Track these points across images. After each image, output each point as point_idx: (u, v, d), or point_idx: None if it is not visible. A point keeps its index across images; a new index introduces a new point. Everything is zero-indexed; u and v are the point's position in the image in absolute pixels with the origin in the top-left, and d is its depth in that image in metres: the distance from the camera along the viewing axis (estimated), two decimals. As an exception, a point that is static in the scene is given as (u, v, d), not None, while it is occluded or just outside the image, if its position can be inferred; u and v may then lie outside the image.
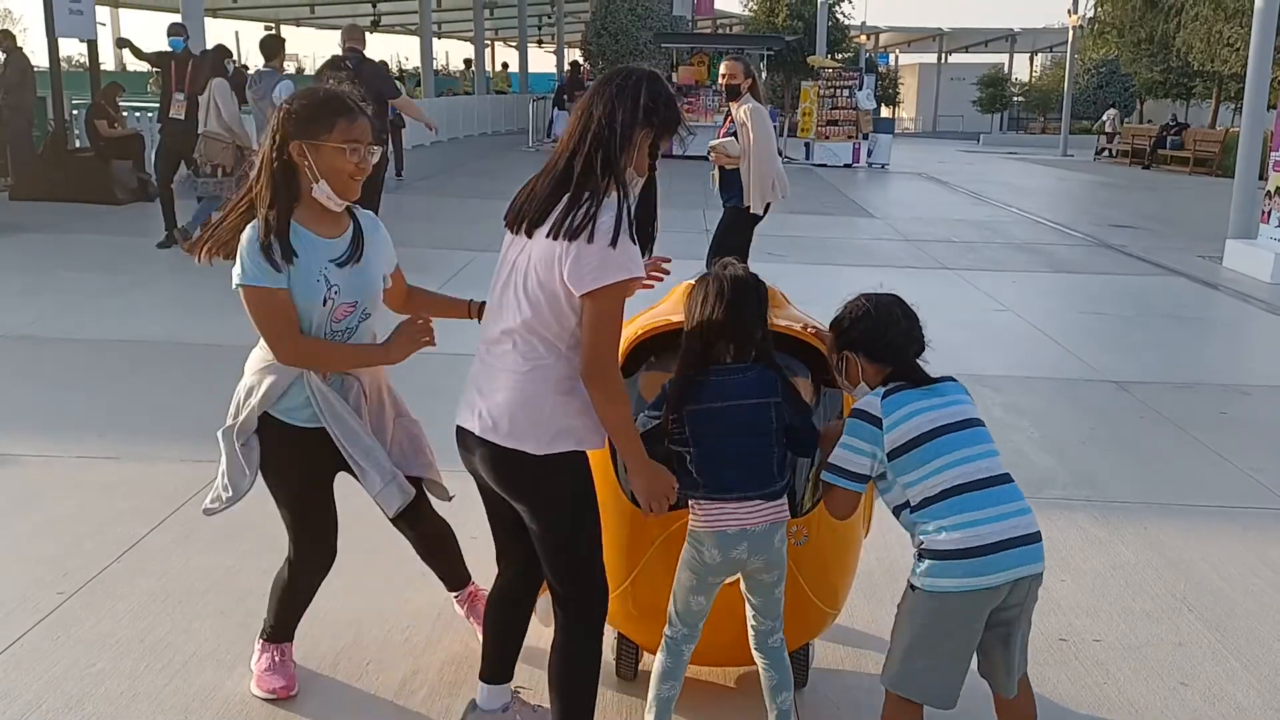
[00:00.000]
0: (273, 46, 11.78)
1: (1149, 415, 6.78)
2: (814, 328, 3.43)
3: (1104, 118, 36.94)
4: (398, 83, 13.17)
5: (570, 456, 2.82)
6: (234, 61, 12.41)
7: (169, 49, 12.15)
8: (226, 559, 4.37)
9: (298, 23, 50.35)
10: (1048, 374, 7.59)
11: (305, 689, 3.49)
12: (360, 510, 4.86)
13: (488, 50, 43.30)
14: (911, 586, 2.86)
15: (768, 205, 8.19)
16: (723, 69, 8.39)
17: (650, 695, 3.15)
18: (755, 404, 2.94)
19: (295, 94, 3.10)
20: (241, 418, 3.19)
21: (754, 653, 3.16)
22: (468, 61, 15.01)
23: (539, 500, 2.86)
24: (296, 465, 3.29)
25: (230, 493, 3.26)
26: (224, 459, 3.26)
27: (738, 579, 3.10)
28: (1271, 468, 5.88)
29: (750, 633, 3.13)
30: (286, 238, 2.98)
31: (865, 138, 26.14)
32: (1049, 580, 4.36)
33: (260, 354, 3.22)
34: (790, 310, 3.59)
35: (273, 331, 3.07)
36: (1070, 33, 37.23)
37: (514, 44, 41.94)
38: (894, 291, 3.07)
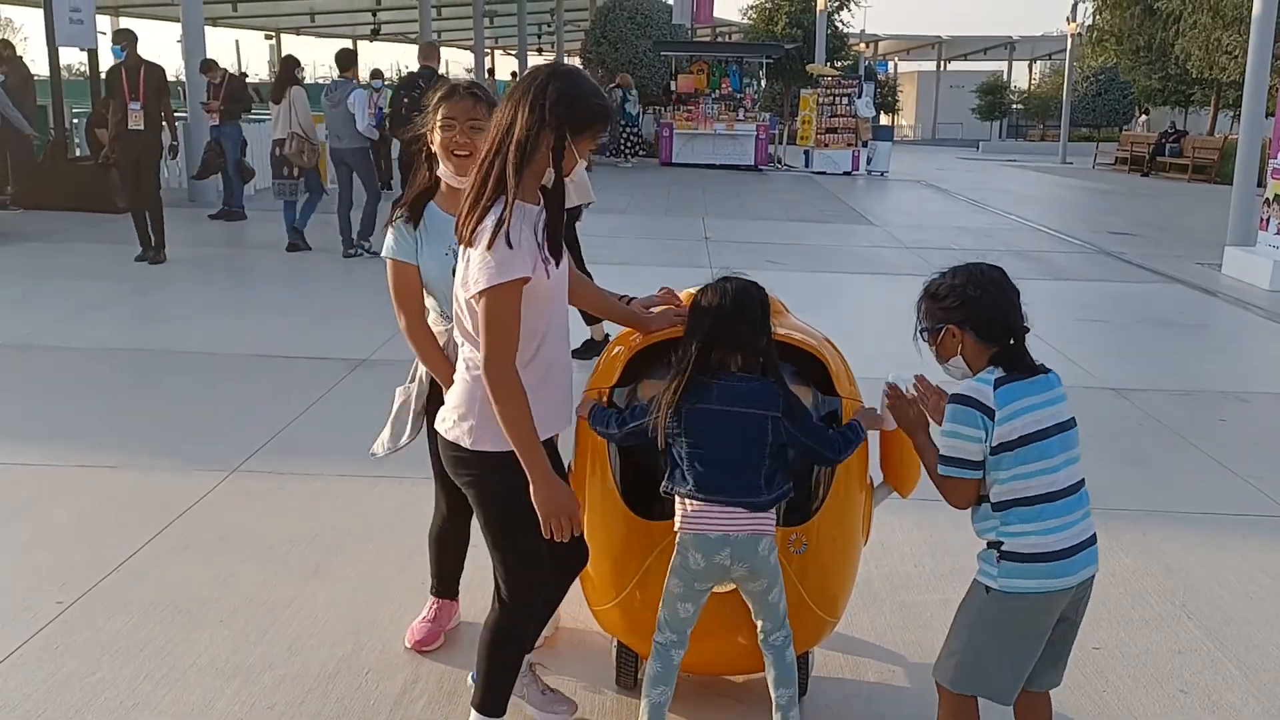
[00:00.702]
0: (347, 59, 12.50)
1: (1148, 422, 6.79)
2: (810, 337, 3.44)
3: (1136, 124, 36.89)
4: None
5: (500, 457, 2.85)
6: (301, 72, 13.03)
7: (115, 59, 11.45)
8: (225, 567, 4.37)
9: (298, 31, 50.38)
10: (1047, 381, 7.57)
11: (304, 698, 3.48)
12: (358, 520, 4.89)
13: (487, 59, 43.38)
14: (986, 588, 2.83)
15: None
16: None
17: (643, 702, 3.16)
18: (754, 414, 2.98)
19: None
20: (420, 373, 3.52)
21: (761, 648, 3.19)
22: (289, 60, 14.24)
23: (473, 493, 3.01)
24: None
25: (391, 443, 3.62)
26: (394, 410, 3.61)
27: (734, 588, 3.12)
28: (1271, 475, 5.88)
29: (758, 631, 3.17)
30: (417, 208, 3.32)
31: (864, 145, 26.16)
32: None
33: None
34: (789, 319, 3.60)
35: (397, 299, 3.35)
36: (1069, 40, 37.31)
37: (514, 52, 41.97)
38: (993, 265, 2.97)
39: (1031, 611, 2.81)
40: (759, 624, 3.15)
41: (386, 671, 3.65)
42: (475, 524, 3.20)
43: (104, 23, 41.69)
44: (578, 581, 3.53)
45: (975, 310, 2.86)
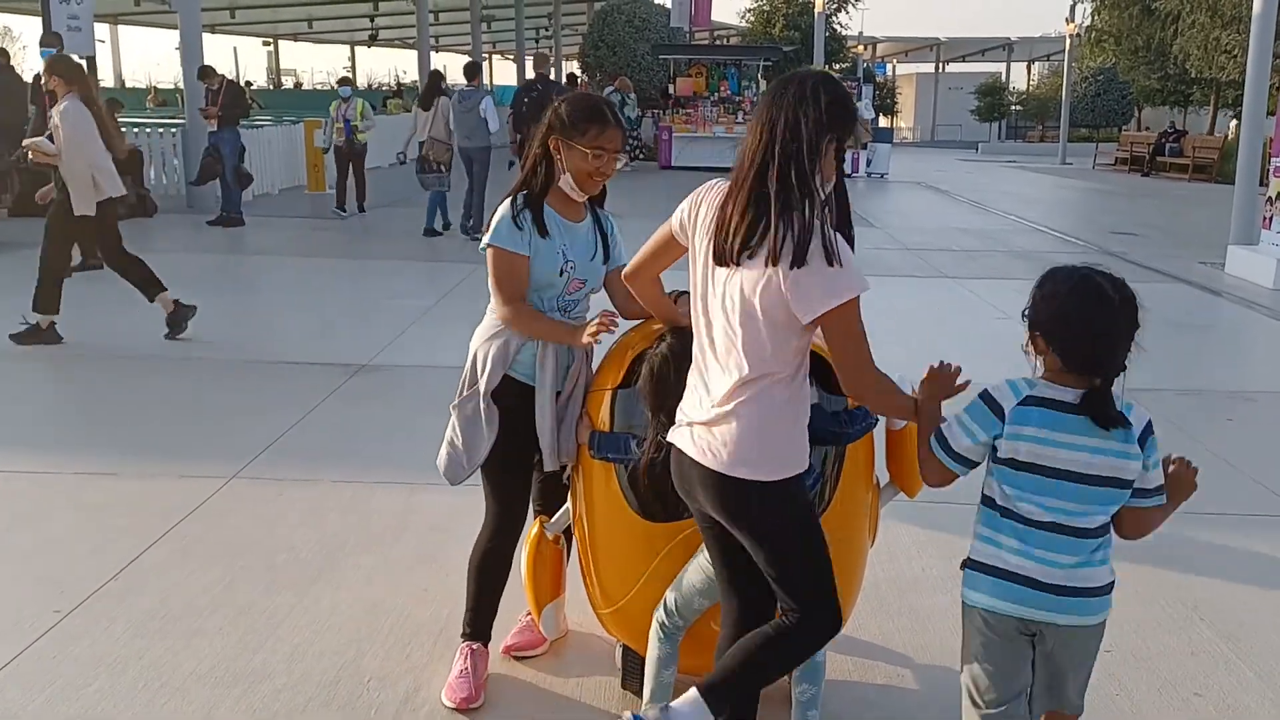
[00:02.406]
0: (473, 70, 14.54)
1: (1155, 422, 6.72)
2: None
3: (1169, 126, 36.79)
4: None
5: (792, 482, 2.75)
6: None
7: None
8: (225, 575, 4.32)
9: (295, 38, 50.48)
10: (1052, 382, 7.52)
11: (305, 706, 3.43)
12: (358, 526, 4.84)
13: (485, 64, 43.36)
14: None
15: (106, 204, 8.06)
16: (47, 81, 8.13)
17: (649, 685, 3.16)
18: None
19: (567, 97, 3.45)
20: (483, 381, 3.39)
21: None
22: (436, 73, 14.27)
23: (770, 524, 2.77)
24: (517, 416, 3.42)
25: (468, 458, 3.44)
26: (456, 430, 3.46)
27: None
28: (1278, 474, 5.83)
29: None
30: (540, 212, 3.35)
31: (864, 147, 26.11)
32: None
33: (489, 321, 3.47)
34: None
35: (504, 288, 3.35)
36: (1067, 41, 37.26)
37: (512, 57, 41.97)
38: (1111, 274, 2.62)
39: (986, 631, 2.66)
40: None
41: (389, 679, 3.59)
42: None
43: (103, 30, 41.76)
44: (583, 584, 3.50)
45: (1047, 320, 2.60)
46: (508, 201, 3.39)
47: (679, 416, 2.88)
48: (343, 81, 16.40)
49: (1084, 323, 2.56)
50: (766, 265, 2.59)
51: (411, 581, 4.26)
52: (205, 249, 12.81)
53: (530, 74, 16.36)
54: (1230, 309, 10.94)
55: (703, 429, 2.76)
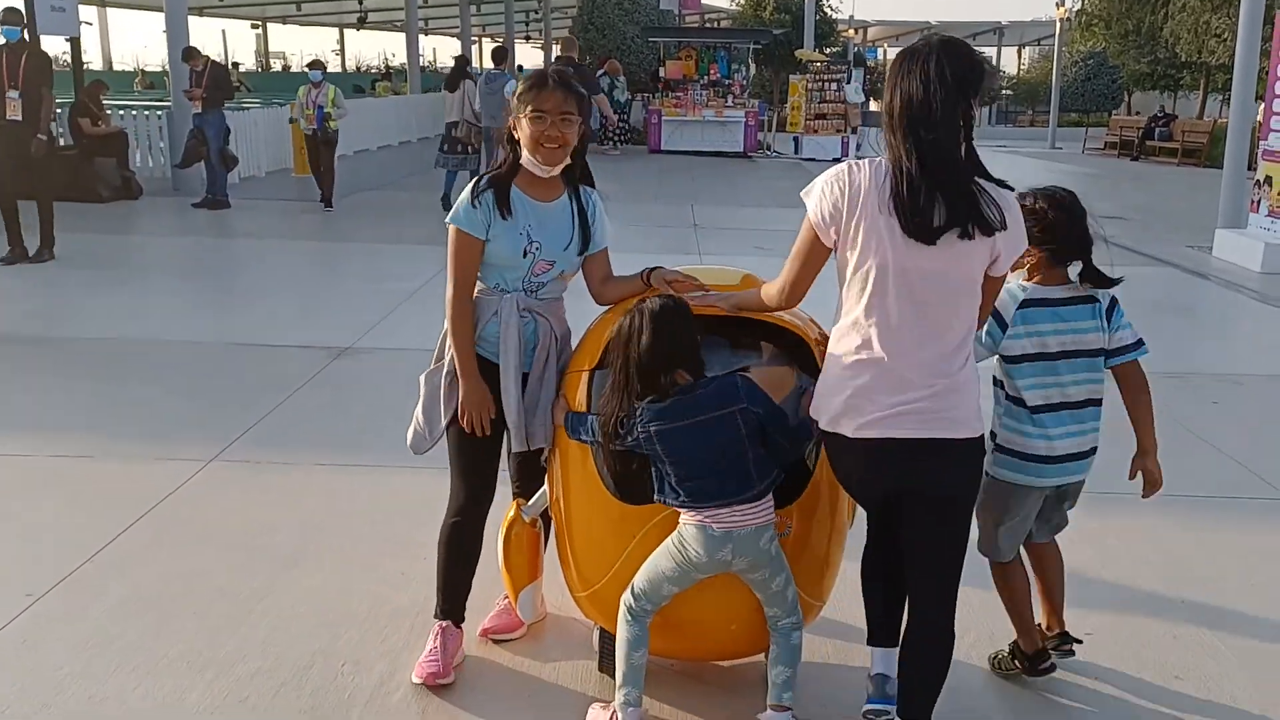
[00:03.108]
0: (501, 55, 15.53)
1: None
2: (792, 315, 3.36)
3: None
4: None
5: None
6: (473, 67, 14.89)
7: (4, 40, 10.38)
8: (200, 559, 4.28)
9: (284, 20, 50.13)
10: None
11: (278, 691, 3.40)
12: (336, 509, 4.80)
13: (474, 46, 43.19)
14: (985, 473, 3.19)
15: None
16: None
17: (621, 666, 3.13)
18: (720, 415, 2.95)
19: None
20: (446, 358, 3.41)
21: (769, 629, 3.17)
22: (461, 58, 14.64)
23: (970, 488, 2.99)
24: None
25: (430, 429, 3.47)
26: (422, 399, 3.48)
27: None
28: (1263, 458, 5.82)
29: (767, 617, 3.16)
30: (505, 194, 3.33)
31: (853, 131, 26.04)
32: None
33: None
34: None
35: (453, 268, 3.37)
36: (1057, 25, 37.18)
37: (501, 39, 41.79)
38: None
39: (1013, 497, 3.36)
40: (768, 610, 3.13)
41: (363, 664, 3.55)
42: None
43: (90, 13, 41.49)
44: (559, 567, 3.47)
45: (1054, 234, 3.25)
46: (472, 182, 3.40)
47: (865, 407, 2.83)
48: (313, 65, 15.46)
49: (1075, 219, 3.25)
50: (976, 234, 2.74)
51: (388, 565, 4.22)
52: (189, 232, 12.72)
53: (492, 60, 16.00)
54: (1217, 292, 10.93)
55: (927, 404, 2.81)
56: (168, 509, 4.73)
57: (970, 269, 2.80)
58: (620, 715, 3.12)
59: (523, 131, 3.30)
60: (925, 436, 2.82)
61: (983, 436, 2.92)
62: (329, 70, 12.31)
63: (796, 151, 26.00)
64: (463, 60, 15.30)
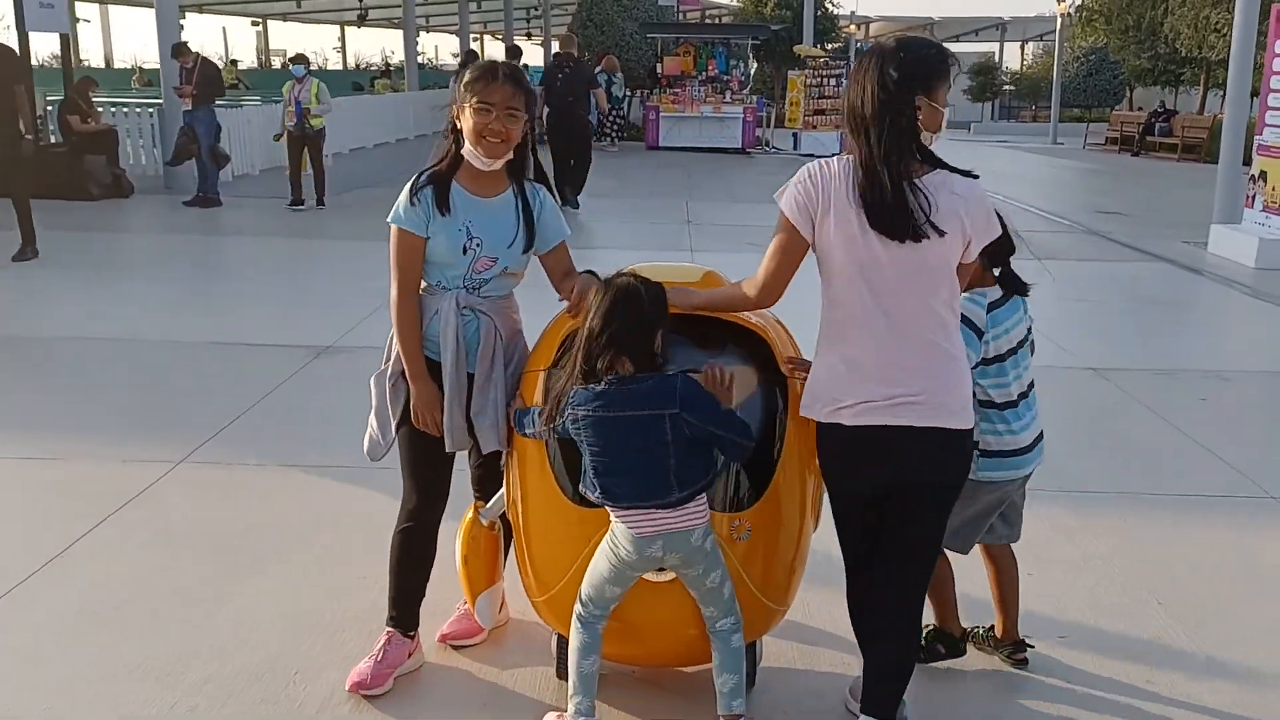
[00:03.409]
0: (515, 52, 16.90)
1: (1126, 403, 6.64)
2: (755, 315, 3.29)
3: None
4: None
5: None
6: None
7: None
8: (161, 563, 4.21)
9: (284, 17, 50.06)
10: (1025, 362, 7.43)
11: (226, 701, 3.33)
12: (304, 511, 4.72)
13: (475, 44, 43.08)
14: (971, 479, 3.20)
15: None
16: None
17: (572, 675, 3.07)
18: (648, 415, 2.86)
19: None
20: (392, 359, 3.33)
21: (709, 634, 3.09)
22: (471, 53, 15.51)
23: (958, 478, 3.03)
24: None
25: (383, 434, 3.39)
26: (374, 404, 3.41)
27: (673, 577, 3.02)
28: (1248, 455, 5.74)
29: (704, 618, 3.07)
30: (444, 189, 3.24)
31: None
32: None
33: None
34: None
35: (396, 268, 3.28)
36: (1059, 20, 37.03)
37: (500, 36, 41.71)
38: None
39: (993, 492, 3.41)
40: (704, 610, 3.05)
41: (314, 672, 3.48)
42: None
43: (90, 10, 41.45)
44: (518, 572, 3.40)
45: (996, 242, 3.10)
46: (411, 179, 3.30)
47: (850, 399, 2.86)
48: (296, 59, 14.93)
49: (1003, 223, 3.11)
50: (938, 228, 2.77)
51: (351, 569, 4.14)
52: (177, 230, 12.64)
53: (526, 56, 17.48)
54: (1211, 288, 10.83)
55: (914, 394, 2.83)
56: (132, 512, 4.66)
57: (943, 258, 2.82)
58: None
59: (466, 122, 3.20)
60: (914, 425, 2.84)
61: (973, 428, 2.96)
62: (331, 68, 12.22)
63: (795, 147, 25.89)
64: (473, 55, 15.85)
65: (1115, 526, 4.82)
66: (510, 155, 3.29)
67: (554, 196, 3.47)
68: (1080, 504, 5.05)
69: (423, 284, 3.33)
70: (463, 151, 3.26)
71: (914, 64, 2.79)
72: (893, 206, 2.75)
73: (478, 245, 3.25)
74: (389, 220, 3.27)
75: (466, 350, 3.28)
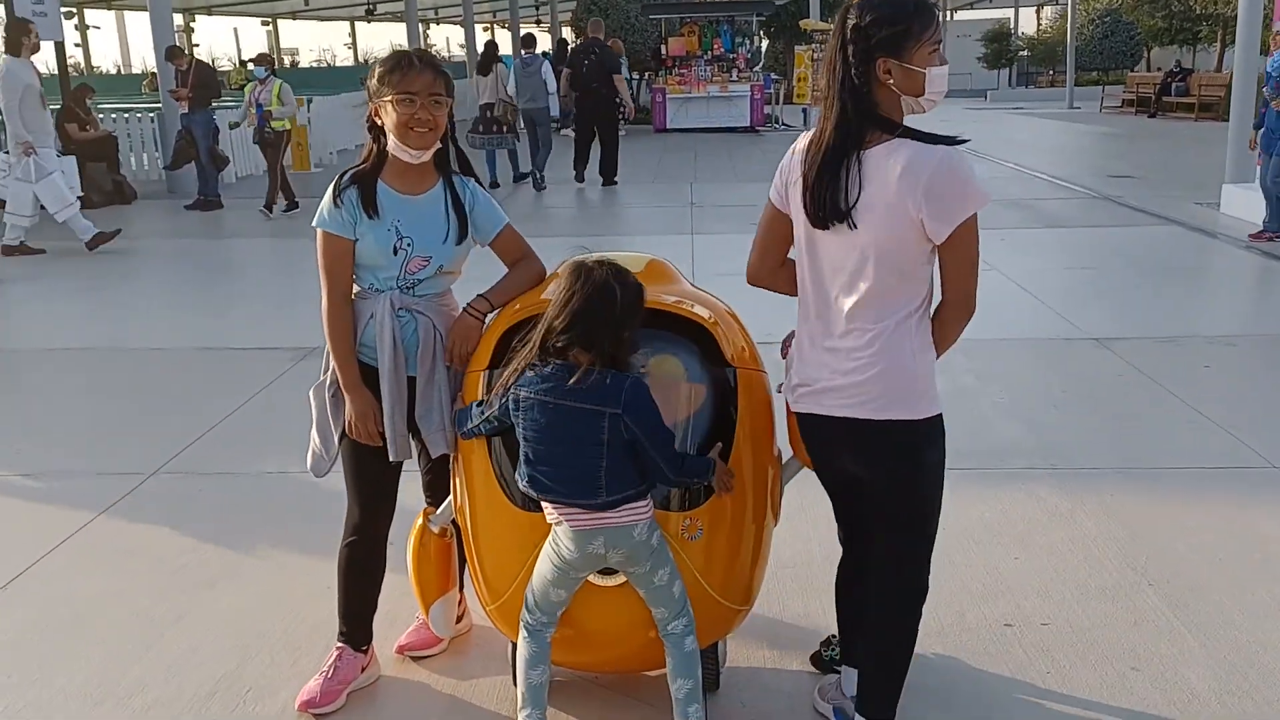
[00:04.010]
0: (530, 40, 16.07)
1: (1128, 373, 6.46)
2: (702, 306, 3.16)
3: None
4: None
5: (939, 420, 2.78)
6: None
7: None
8: (119, 580, 4.12)
9: (294, 15, 50.16)
10: (1025, 334, 7.26)
11: (175, 722, 3.24)
12: (268, 523, 4.61)
13: (485, 33, 42.93)
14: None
15: None
16: None
17: (520, 687, 2.96)
18: (589, 410, 2.72)
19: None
20: (330, 369, 3.22)
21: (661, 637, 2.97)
22: (492, 43, 16.51)
23: (909, 469, 2.80)
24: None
25: (325, 448, 3.28)
26: (315, 418, 3.28)
27: (623, 580, 2.91)
28: (1250, 423, 5.56)
29: (654, 619, 2.95)
30: (370, 190, 3.11)
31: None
32: (999, 560, 4.12)
33: None
34: (682, 286, 3.31)
35: (324, 273, 3.17)
36: (1071, -18, 36.51)
37: (506, 24, 41.60)
38: None
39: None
40: (654, 612, 2.92)
41: (268, 690, 3.38)
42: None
43: (106, 17, 41.53)
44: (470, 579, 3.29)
45: None
46: (333, 180, 3.17)
47: (794, 381, 2.87)
48: (258, 60, 14.24)
49: None
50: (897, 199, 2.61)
51: (315, 579, 4.03)
52: (176, 234, 12.57)
53: (540, 43, 17.46)
54: (1222, 250, 10.58)
55: (835, 385, 2.75)
56: (96, 528, 4.58)
57: (879, 243, 2.64)
58: None
59: (388, 117, 3.06)
60: (833, 415, 2.77)
61: (916, 421, 2.73)
62: (341, 64, 12.07)
63: (806, 124, 25.64)
64: (493, 45, 16.13)
65: (1107, 505, 4.66)
66: (439, 145, 3.16)
67: (481, 186, 3.32)
68: (1072, 483, 4.89)
69: (355, 288, 3.21)
70: (389, 148, 3.12)
71: (873, 25, 2.59)
72: (815, 187, 2.63)
73: (409, 245, 3.13)
74: (313, 224, 3.15)
75: (405, 353, 3.16)
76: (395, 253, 3.12)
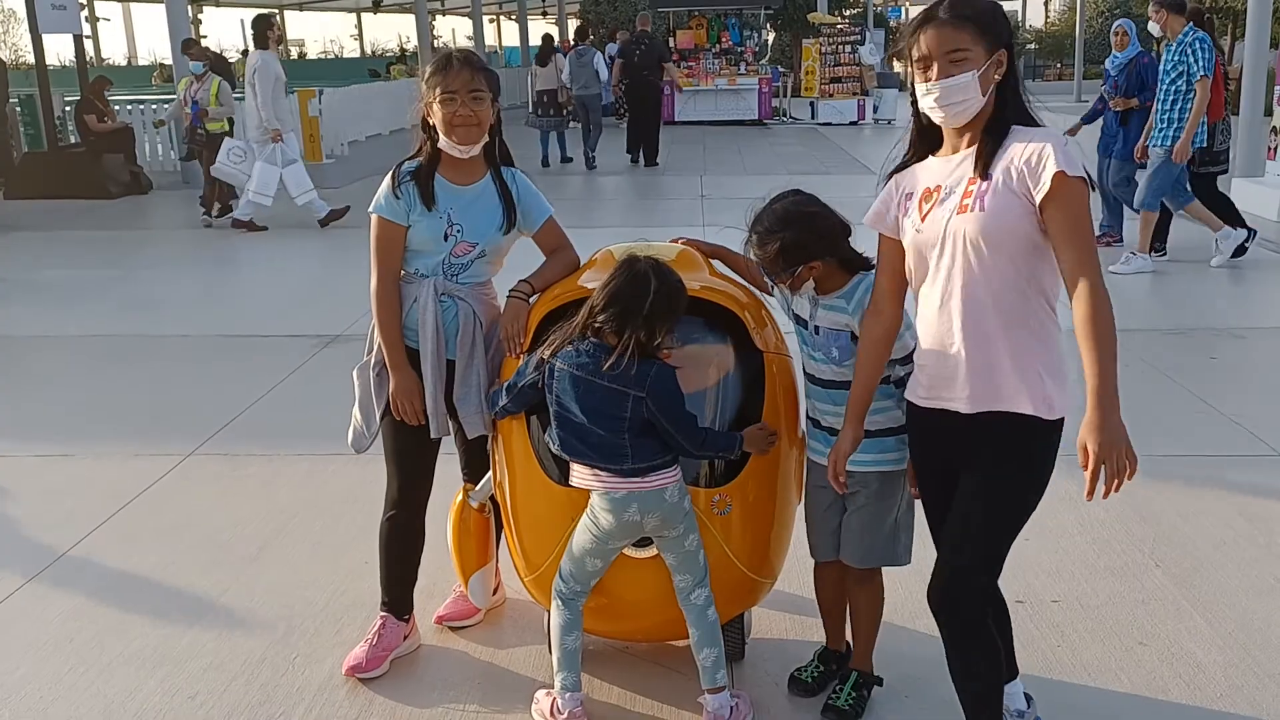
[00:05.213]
0: (583, 31, 18.47)
1: (1135, 364, 6.59)
2: (733, 290, 3.32)
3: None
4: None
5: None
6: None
7: None
8: (167, 555, 4.30)
9: (300, 7, 50.21)
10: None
11: (228, 686, 3.40)
12: (308, 500, 4.79)
13: (493, 25, 42.98)
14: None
15: None
16: None
17: (555, 652, 3.12)
18: (615, 390, 2.92)
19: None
20: (374, 350, 3.38)
21: (681, 607, 3.11)
22: (548, 36, 17.82)
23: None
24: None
25: (367, 425, 3.44)
26: (358, 396, 3.44)
27: (656, 553, 3.05)
28: (1256, 413, 5.70)
29: (676, 588, 3.09)
30: (427, 183, 3.30)
31: (868, 94, 25.73)
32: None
33: None
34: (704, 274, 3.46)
35: (377, 256, 3.34)
36: (1080, -24, 36.58)
37: (514, 16, 41.64)
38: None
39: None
40: (677, 580, 3.08)
41: (314, 657, 3.55)
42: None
43: (114, 9, 41.60)
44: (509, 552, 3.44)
45: (828, 239, 3.04)
46: (391, 171, 3.36)
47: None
48: (193, 54, 13.11)
49: (826, 221, 3.08)
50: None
51: (352, 555, 4.21)
52: (193, 224, 12.70)
53: (575, 37, 18.82)
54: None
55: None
56: (141, 505, 4.75)
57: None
58: (559, 701, 3.11)
59: (435, 116, 3.26)
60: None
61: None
62: (348, 55, 12.09)
63: (813, 116, 25.76)
64: (550, 39, 18.04)
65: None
66: (486, 139, 3.34)
67: (529, 180, 3.50)
68: (1080, 468, 5.02)
69: (401, 271, 3.38)
70: (440, 145, 3.32)
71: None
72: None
73: (459, 231, 3.31)
74: (370, 210, 3.34)
75: (445, 337, 3.33)
76: (445, 239, 3.31)
